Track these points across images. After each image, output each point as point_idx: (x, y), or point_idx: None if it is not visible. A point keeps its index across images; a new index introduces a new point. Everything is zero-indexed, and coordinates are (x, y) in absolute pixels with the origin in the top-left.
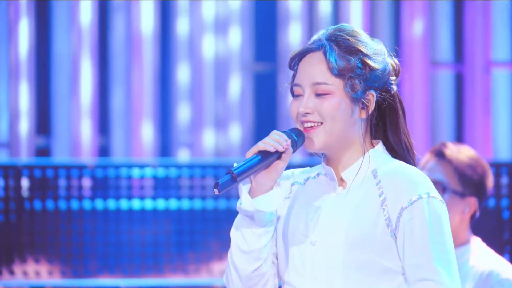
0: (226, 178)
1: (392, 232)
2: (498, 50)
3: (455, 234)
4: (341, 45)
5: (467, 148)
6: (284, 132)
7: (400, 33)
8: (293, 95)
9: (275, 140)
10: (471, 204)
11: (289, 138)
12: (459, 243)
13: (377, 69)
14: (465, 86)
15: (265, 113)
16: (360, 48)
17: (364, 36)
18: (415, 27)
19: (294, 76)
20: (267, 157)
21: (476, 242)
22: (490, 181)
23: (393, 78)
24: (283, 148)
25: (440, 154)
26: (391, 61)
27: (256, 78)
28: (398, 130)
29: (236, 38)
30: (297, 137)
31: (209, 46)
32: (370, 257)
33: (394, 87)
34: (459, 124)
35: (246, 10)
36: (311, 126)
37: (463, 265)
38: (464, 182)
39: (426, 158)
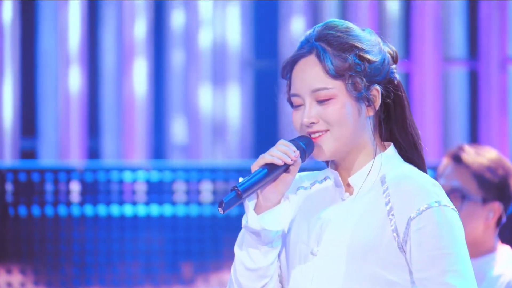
0: (231, 195)
1: (400, 245)
2: None
3: (480, 243)
4: (333, 43)
5: (487, 149)
6: (292, 141)
7: (410, 28)
8: (292, 106)
9: (282, 152)
10: (495, 209)
11: (298, 148)
12: (484, 251)
13: (376, 61)
14: (480, 84)
15: (266, 113)
16: (354, 43)
17: (355, 29)
18: (426, 21)
19: (289, 85)
20: (274, 170)
21: (504, 251)
22: None
23: (394, 66)
24: (291, 160)
25: (456, 159)
26: (388, 49)
27: (257, 75)
28: (405, 122)
29: (236, 34)
30: (306, 146)
31: (206, 42)
32: (374, 270)
33: (397, 76)
34: (473, 124)
35: (246, 5)
36: (319, 135)
37: (487, 275)
38: (484, 187)
39: (443, 163)
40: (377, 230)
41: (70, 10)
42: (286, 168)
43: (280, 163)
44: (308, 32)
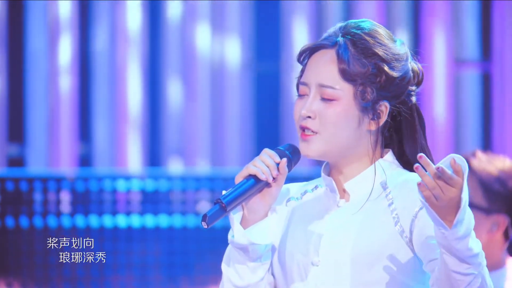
0: (215, 208)
1: (409, 241)
2: None
3: (486, 257)
4: (357, 45)
5: (501, 158)
6: (277, 149)
7: (420, 28)
8: (298, 94)
9: (266, 164)
10: (500, 222)
11: (283, 157)
12: (491, 267)
13: (395, 77)
14: (493, 87)
15: (267, 117)
16: (378, 52)
17: (385, 36)
18: (437, 21)
19: (302, 71)
20: (259, 181)
21: None
22: None
23: (413, 88)
24: (272, 179)
25: None
26: (414, 67)
27: (258, 78)
28: (416, 146)
29: (236, 35)
30: (292, 155)
31: (205, 43)
32: (381, 275)
33: (413, 99)
34: (486, 128)
35: (247, 5)
36: (309, 135)
37: None
38: (490, 198)
39: None
40: (382, 233)
41: (60, 10)
42: (271, 179)
43: (263, 178)
44: (339, 24)
